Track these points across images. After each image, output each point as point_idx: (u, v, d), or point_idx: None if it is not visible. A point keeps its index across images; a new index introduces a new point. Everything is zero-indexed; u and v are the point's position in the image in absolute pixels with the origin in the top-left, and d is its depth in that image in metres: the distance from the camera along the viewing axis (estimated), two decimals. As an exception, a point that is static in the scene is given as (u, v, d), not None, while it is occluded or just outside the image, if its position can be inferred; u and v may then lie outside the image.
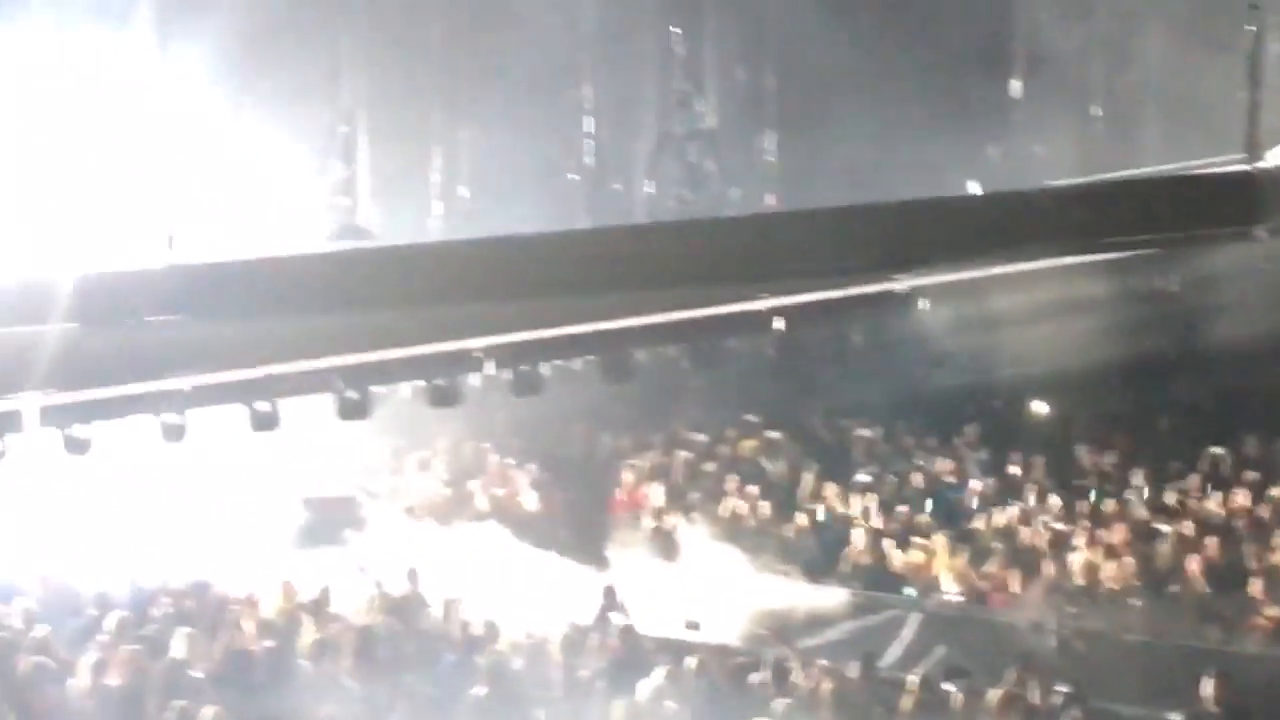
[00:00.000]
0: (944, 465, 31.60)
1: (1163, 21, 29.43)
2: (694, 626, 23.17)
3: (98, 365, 17.50)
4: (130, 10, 24.25)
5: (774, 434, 31.40)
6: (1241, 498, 26.78)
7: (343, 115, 22.96)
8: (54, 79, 22.46)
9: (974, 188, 20.51)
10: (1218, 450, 29.45)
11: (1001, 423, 34.29)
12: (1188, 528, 26.13)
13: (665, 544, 27.93)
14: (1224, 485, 27.68)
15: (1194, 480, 28.53)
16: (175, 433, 18.88)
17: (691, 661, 20.95)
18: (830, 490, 29.11)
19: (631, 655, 21.60)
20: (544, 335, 19.06)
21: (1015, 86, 26.62)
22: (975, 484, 30.42)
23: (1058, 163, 28.27)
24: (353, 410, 19.42)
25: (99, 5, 24.22)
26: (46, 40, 24.10)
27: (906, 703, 19.37)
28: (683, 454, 31.24)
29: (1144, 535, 26.57)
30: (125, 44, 23.89)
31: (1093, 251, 21.22)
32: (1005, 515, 28.08)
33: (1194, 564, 24.14)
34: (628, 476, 30.29)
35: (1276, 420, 29.50)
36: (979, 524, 28.34)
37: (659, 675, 20.10)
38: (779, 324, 20.33)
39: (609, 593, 24.09)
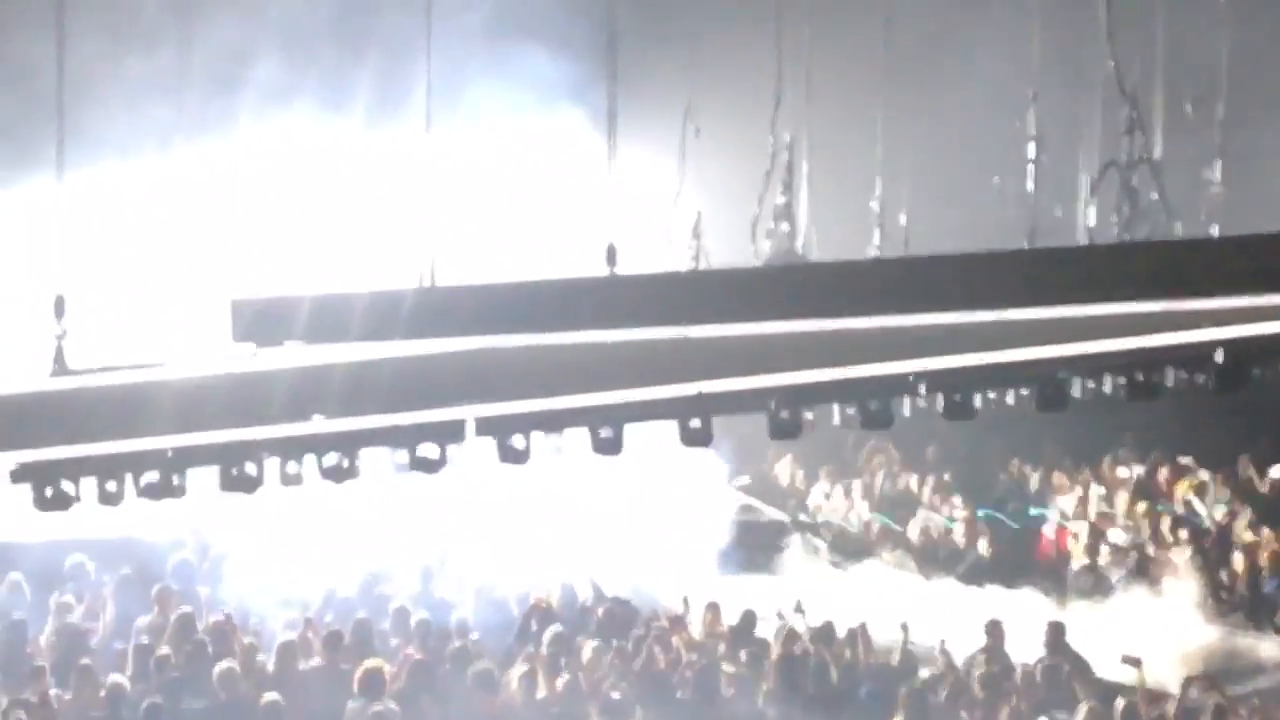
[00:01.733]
0: (1388, 515, 29.92)
1: None
2: (1133, 663, 22.03)
3: (533, 378, 17.86)
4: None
5: (1207, 475, 30.28)
6: None
7: (784, 141, 23.05)
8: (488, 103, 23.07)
9: None
10: None
11: None
12: None
13: (1094, 583, 27.48)
14: None
15: None
16: (609, 446, 19.13)
17: (1120, 703, 20.68)
18: (1268, 536, 27.86)
19: (1056, 692, 21.46)
20: (978, 361, 18.57)
21: None
22: None
23: None
24: (783, 430, 19.52)
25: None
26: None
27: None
28: (1115, 493, 30.47)
29: None
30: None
31: None
32: None
33: None
34: (1055, 514, 30.07)
35: None
36: None
37: (1081, 712, 20.12)
38: (1219, 357, 19.41)
39: (1054, 629, 23.73)
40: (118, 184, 22.41)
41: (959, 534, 29.52)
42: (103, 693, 20.06)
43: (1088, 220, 17.14)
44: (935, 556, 29.07)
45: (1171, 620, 25.58)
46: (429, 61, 18.09)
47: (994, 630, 23.69)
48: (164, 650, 20.81)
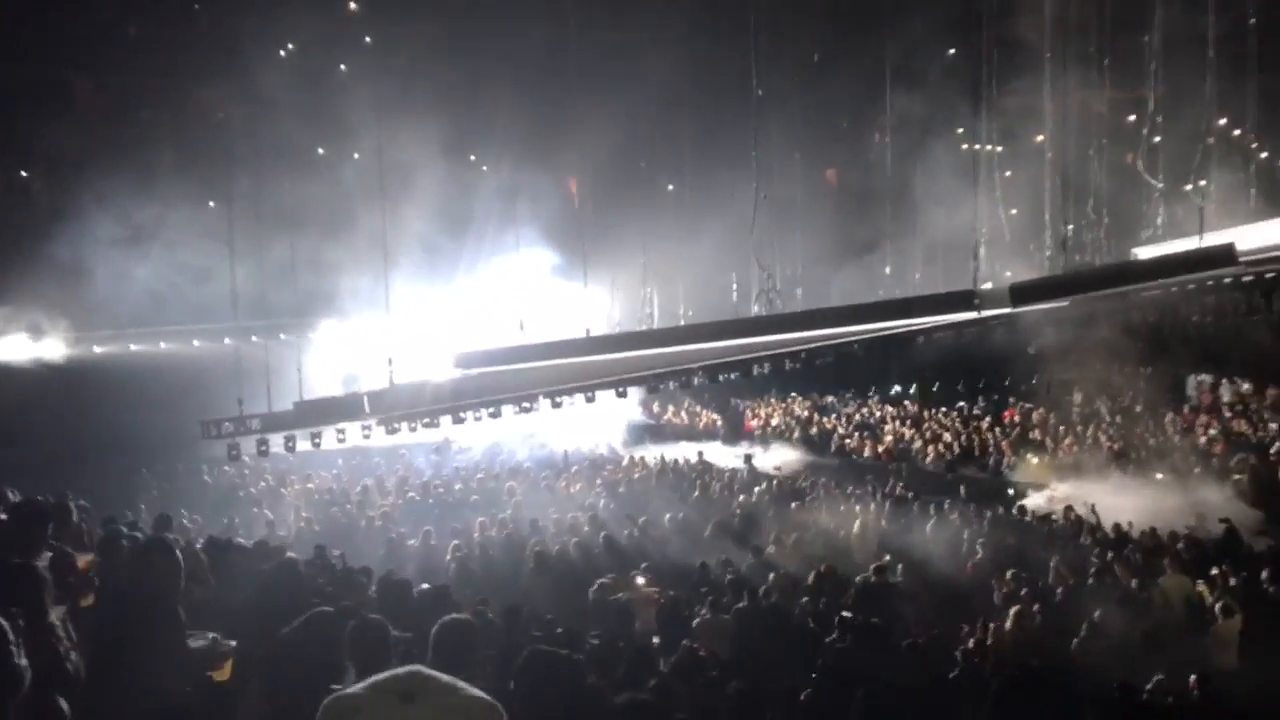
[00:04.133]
0: None
1: None
2: (777, 469, 22.43)
3: (558, 376, 18.01)
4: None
5: (817, 402, 30.27)
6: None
7: (649, 289, 24.04)
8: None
9: None
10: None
11: None
12: None
13: (765, 440, 28.21)
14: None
15: None
16: (589, 401, 20.15)
17: (774, 482, 21.02)
18: (829, 423, 27.66)
19: (750, 480, 21.41)
20: (718, 361, 18.16)
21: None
22: None
23: None
24: (653, 390, 20.18)
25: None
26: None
27: None
28: (776, 407, 30.97)
29: None
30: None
31: None
32: None
33: None
34: (749, 414, 30.07)
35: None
36: None
37: (764, 486, 20.66)
38: (803, 356, 18.87)
39: (749, 457, 24.31)
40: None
41: (715, 426, 29.88)
42: (404, 498, 19.68)
43: (754, 309, 17.87)
44: (712, 433, 29.34)
45: (791, 454, 25.95)
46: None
47: (749, 460, 23.86)
48: (437, 483, 20.90)
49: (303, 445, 18.08)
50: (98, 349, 20.70)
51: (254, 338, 20.45)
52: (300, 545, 14.64)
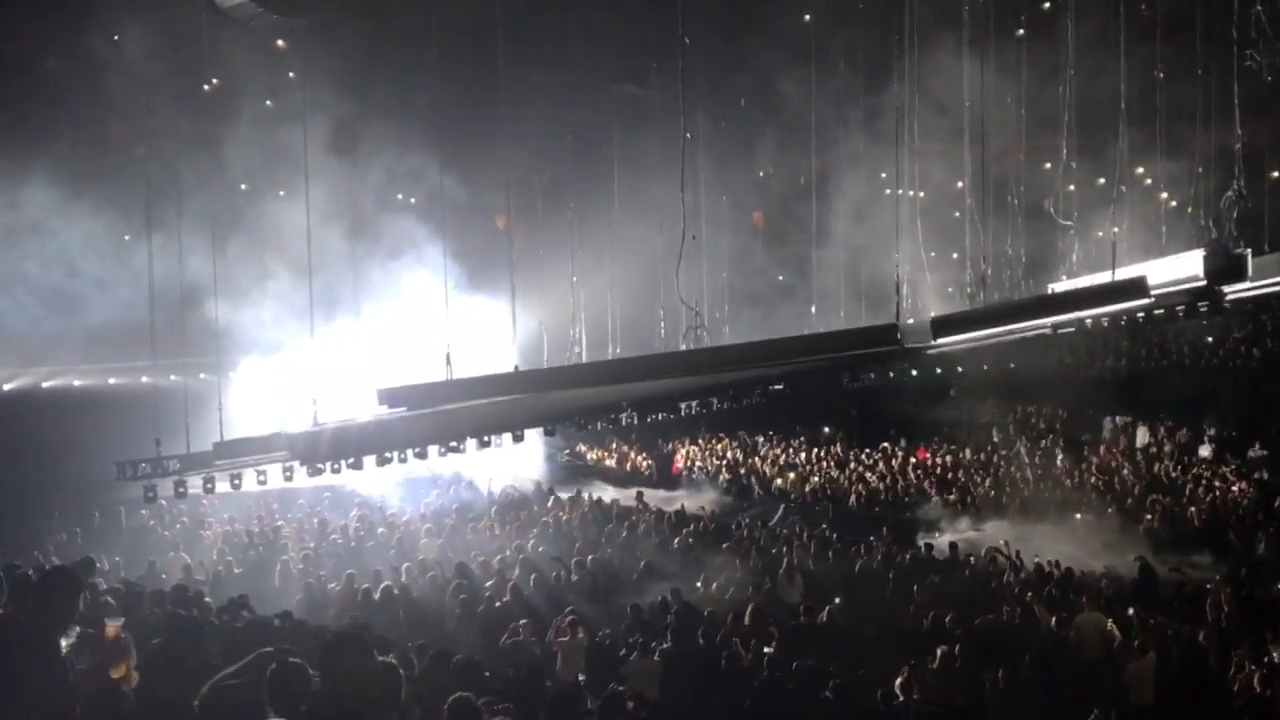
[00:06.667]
0: None
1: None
2: (702, 510, 22.14)
3: (476, 420, 16.73)
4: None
5: (736, 443, 30.19)
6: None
7: (578, 333, 24.50)
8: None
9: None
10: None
11: None
12: None
13: (696, 483, 28.06)
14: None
15: None
16: (518, 439, 19.24)
17: (692, 526, 21.09)
18: (768, 463, 27.49)
19: (680, 522, 20.80)
20: (636, 396, 17.47)
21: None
22: None
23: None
24: (580, 428, 19.84)
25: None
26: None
27: None
28: (705, 448, 30.64)
29: None
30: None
31: None
32: None
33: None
34: (679, 456, 29.51)
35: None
36: None
37: (686, 530, 20.70)
38: (731, 394, 19.27)
39: (660, 500, 24.07)
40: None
41: (643, 467, 29.08)
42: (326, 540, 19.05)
43: (681, 345, 17.62)
44: (636, 478, 28.53)
45: (718, 496, 25.84)
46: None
47: (640, 498, 23.43)
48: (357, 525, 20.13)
49: (222, 486, 17.36)
50: (6, 386, 20.10)
51: (173, 376, 19.89)
52: (218, 589, 14.16)
